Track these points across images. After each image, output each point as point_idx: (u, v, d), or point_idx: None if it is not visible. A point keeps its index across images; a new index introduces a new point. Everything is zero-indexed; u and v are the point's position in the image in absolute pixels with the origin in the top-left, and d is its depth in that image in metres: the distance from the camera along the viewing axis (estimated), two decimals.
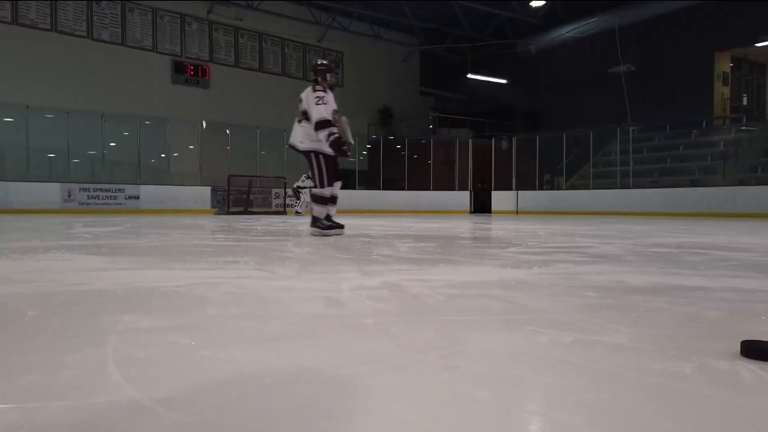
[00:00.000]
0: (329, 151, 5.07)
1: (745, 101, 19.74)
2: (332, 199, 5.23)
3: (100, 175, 16.21)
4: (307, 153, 5.20)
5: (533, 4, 18.10)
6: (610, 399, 0.89)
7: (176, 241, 4.70)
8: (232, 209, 15.23)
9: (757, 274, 2.45)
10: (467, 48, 22.68)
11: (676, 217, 13.94)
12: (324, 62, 5.35)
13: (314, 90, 5.10)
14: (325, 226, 5.16)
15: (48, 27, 16.68)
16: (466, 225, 8.85)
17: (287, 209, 16.43)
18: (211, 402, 0.85)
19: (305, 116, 5.16)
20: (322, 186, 5.17)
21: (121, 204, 15.15)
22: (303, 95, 5.23)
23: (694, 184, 15.46)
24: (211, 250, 3.86)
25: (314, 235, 5.16)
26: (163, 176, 17.18)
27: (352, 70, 22.90)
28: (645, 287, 2.02)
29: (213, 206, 16.22)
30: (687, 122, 17.00)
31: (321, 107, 4.97)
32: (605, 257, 3.24)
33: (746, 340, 1.13)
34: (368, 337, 1.30)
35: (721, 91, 18.64)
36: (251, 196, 16.09)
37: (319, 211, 5.20)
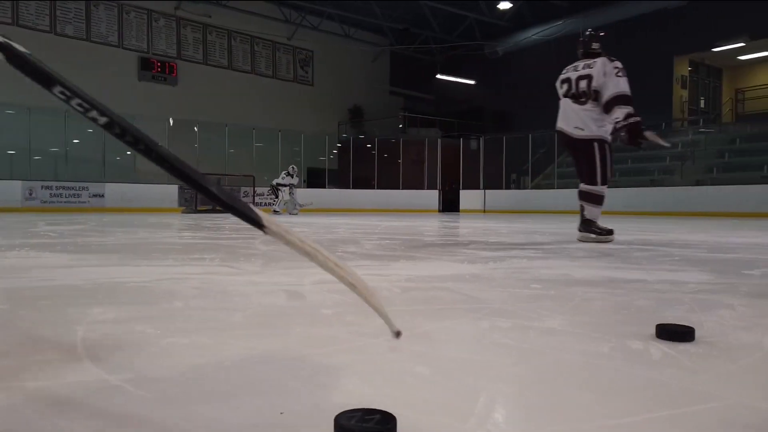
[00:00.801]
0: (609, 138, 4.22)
1: (702, 104, 20.47)
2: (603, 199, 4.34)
3: (63, 172, 15.89)
4: (586, 141, 4.24)
5: (501, 6, 18.42)
6: (532, 373, 1.02)
7: (142, 238, 4.71)
8: (199, 208, 15.10)
9: (692, 268, 2.64)
10: (436, 49, 22.94)
11: (637, 216, 14.39)
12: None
13: (611, 60, 4.20)
14: (602, 231, 4.26)
15: (9, 21, 16.26)
16: (432, 223, 9.01)
17: (261, 207, 16.32)
18: (175, 380, 0.94)
19: (586, 95, 4.22)
20: (604, 182, 4.26)
21: (85, 202, 14.89)
22: (588, 68, 4.27)
23: (653, 184, 15.98)
24: (178, 247, 3.90)
25: (585, 241, 4.25)
26: (129, 174, 16.93)
27: (322, 69, 22.92)
28: (587, 280, 2.17)
29: (180, 205, 16.07)
30: (647, 124, 17.48)
31: (625, 80, 4.13)
32: (558, 253, 3.41)
33: (660, 324, 1.27)
34: (325, 325, 1.41)
35: (680, 94, 19.30)
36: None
37: (595, 213, 4.30)
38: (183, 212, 14.76)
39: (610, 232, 4.24)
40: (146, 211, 15.01)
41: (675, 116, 19.24)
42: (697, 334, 1.22)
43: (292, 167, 15.35)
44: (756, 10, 16.21)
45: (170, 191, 16.04)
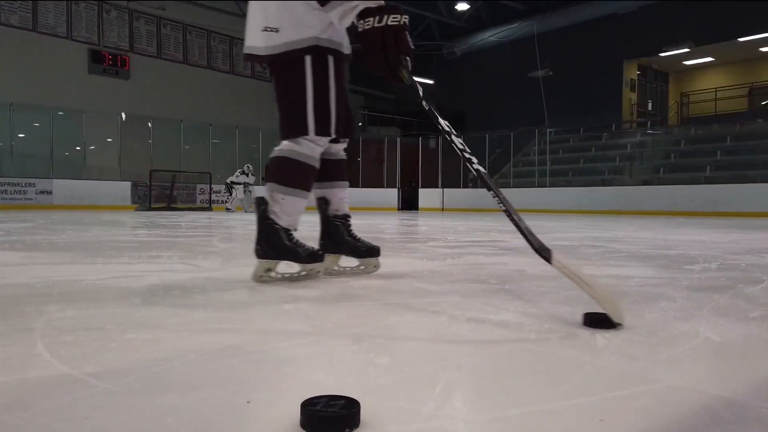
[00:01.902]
0: None
1: (650, 107, 21.30)
2: None
3: (8, 168, 15.23)
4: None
5: (458, 7, 18.67)
6: (485, 360, 1.07)
7: (95, 237, 4.59)
8: (154, 205, 14.75)
9: (639, 264, 2.78)
10: None
11: (589, 214, 14.87)
12: None
13: None
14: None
15: None
16: (392, 222, 9.08)
17: (212, 205, 16.07)
18: (139, 374, 0.95)
19: None
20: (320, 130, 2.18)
21: (31, 199, 14.32)
22: None
23: (604, 183, 16.52)
24: (134, 245, 3.83)
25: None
26: (78, 170, 16.37)
27: None
28: (540, 275, 2.26)
29: (134, 202, 15.65)
30: (598, 126, 18.14)
31: None
32: (513, 250, 3.51)
33: (587, 312, 1.36)
34: (287, 320, 1.43)
35: (629, 97, 20.02)
36: (175, 192, 15.65)
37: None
38: (136, 210, 14.38)
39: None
40: (97, 208, 14.54)
41: (624, 118, 19.95)
42: (640, 323, 1.30)
43: (248, 166, 15.18)
44: (700, 18, 16.99)
45: (123, 188, 15.60)
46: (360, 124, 24.37)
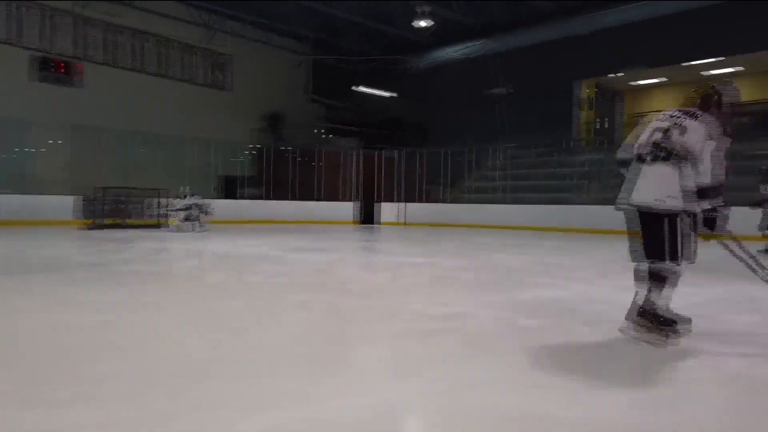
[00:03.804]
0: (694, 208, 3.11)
1: (600, 125, 21.87)
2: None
3: None
4: (659, 216, 3.08)
5: (419, 24, 18.79)
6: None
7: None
8: (107, 221, 14.18)
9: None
10: (358, 60, 23.05)
11: (543, 231, 15.16)
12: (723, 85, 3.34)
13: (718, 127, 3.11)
14: (666, 320, 3.12)
15: None
16: (352, 253, 9.01)
17: (159, 220, 15.22)
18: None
19: (668, 153, 3.09)
20: (674, 258, 3.07)
21: None
22: (679, 120, 3.16)
23: (555, 201, 16.85)
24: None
25: (641, 338, 3.11)
26: (21, 183, 15.72)
27: (240, 74, 22.33)
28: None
29: (84, 217, 15.11)
30: (552, 143, 18.49)
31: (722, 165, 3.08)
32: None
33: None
34: None
35: (583, 116, 20.52)
36: (126, 206, 15.08)
37: (665, 297, 3.14)
38: (86, 228, 13.78)
39: (686, 320, 3.16)
40: (41, 224, 13.98)
41: (579, 136, 20.41)
42: None
43: (182, 188, 13.79)
44: (652, 42, 17.58)
45: (68, 202, 14.60)
46: (322, 133, 24.31)
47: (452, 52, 20.41)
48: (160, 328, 3.28)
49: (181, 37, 20.34)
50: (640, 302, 3.14)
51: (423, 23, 18.59)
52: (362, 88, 23.35)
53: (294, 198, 20.01)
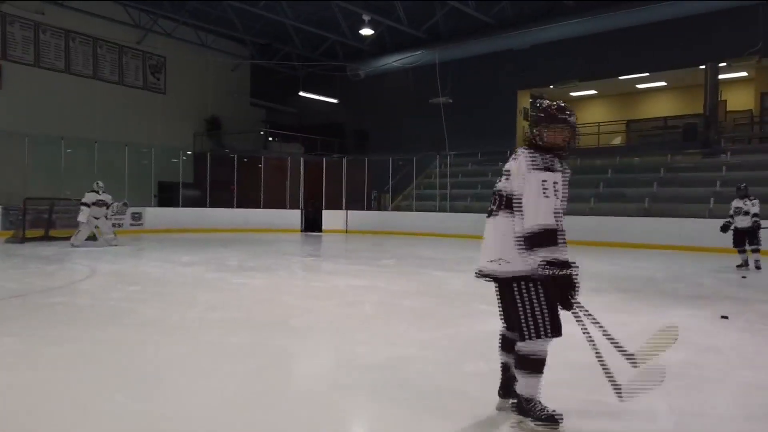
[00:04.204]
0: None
1: None
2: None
3: None
4: (506, 280, 2.68)
5: (362, 32, 18.72)
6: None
7: None
8: (28, 233, 13.36)
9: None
10: (299, 65, 22.73)
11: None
12: (556, 105, 2.71)
13: (537, 158, 2.59)
14: (545, 415, 2.57)
15: None
16: (293, 264, 8.82)
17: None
18: None
19: (508, 202, 2.68)
20: (538, 336, 2.58)
21: None
22: (507, 165, 2.79)
23: None
24: None
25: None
26: None
27: (176, 76, 21.59)
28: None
29: (5, 228, 14.19)
30: (494, 152, 18.87)
31: (547, 202, 2.50)
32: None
33: None
34: None
35: (523, 125, 21.04)
36: (53, 216, 14.23)
37: (532, 385, 2.61)
38: (7, 241, 13.00)
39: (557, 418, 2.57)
40: None
41: (519, 145, 20.92)
42: None
43: (96, 183, 12.43)
44: (584, 57, 18.31)
45: None
46: (264, 137, 23.84)
47: (393, 61, 20.46)
48: (51, 399, 2.89)
49: (111, 37, 19.41)
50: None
51: (367, 31, 18.55)
52: (304, 94, 23.05)
53: (236, 206, 19.49)
